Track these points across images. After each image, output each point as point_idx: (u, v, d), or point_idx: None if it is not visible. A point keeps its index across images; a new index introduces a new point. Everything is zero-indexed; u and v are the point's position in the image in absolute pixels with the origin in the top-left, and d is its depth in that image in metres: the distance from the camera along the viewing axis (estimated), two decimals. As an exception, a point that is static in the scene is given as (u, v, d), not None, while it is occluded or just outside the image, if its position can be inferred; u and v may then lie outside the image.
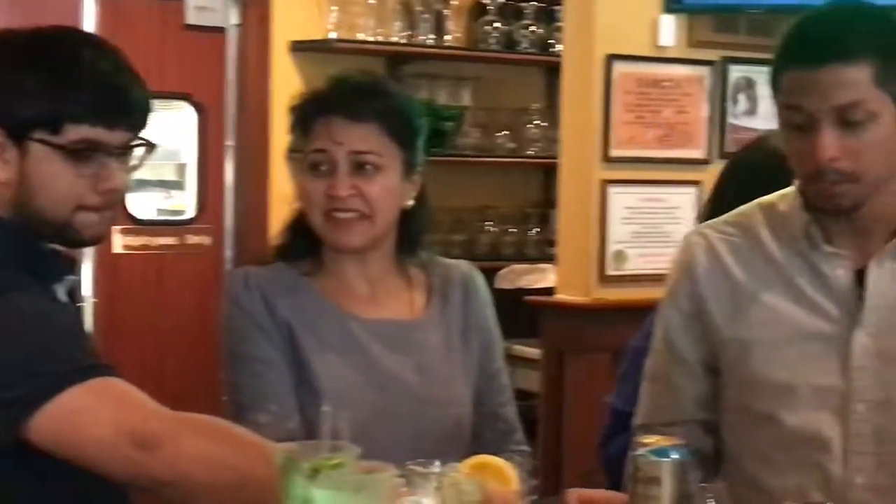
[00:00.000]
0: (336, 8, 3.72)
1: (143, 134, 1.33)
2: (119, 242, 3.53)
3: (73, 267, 1.43)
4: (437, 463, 1.24)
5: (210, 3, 3.61)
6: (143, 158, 1.35)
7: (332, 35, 3.70)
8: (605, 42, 3.02)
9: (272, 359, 1.55)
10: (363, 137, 1.55)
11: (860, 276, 1.45)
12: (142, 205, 3.66)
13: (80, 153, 1.28)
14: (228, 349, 1.57)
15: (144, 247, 3.62)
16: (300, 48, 3.72)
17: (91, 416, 1.14)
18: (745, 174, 1.79)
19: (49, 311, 1.26)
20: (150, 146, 1.35)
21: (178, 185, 3.83)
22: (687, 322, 1.52)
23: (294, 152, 1.65)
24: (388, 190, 1.57)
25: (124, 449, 1.12)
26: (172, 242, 3.69)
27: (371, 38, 3.76)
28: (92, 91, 1.28)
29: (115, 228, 3.44)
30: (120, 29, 3.41)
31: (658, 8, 3.03)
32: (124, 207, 3.37)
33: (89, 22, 3.43)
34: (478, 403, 1.66)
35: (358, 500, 1.10)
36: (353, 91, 1.60)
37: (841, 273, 1.46)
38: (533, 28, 4.06)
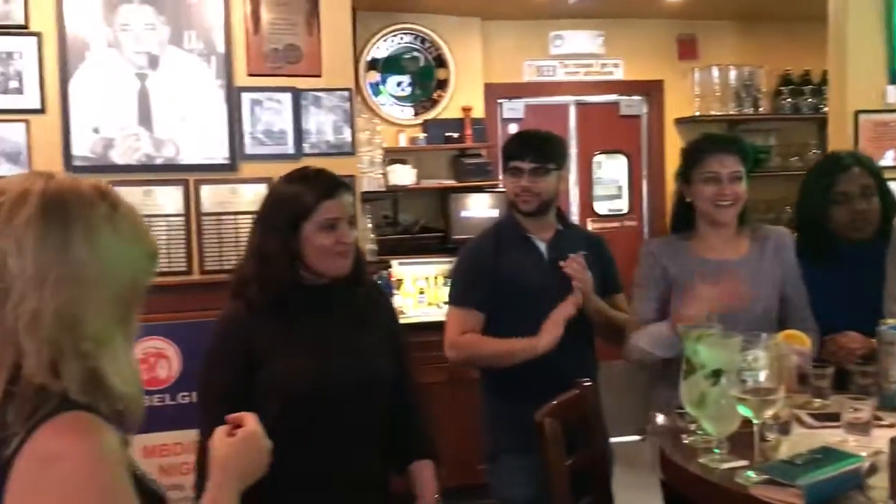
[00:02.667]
0: (698, 98, 5.75)
1: (548, 164, 2.54)
2: (591, 226, 5.68)
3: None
4: (763, 334, 1.76)
5: (631, 104, 5.92)
6: (556, 175, 2.57)
7: (697, 113, 5.73)
8: (853, 104, 3.99)
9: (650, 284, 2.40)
10: (733, 163, 2.34)
11: None
12: (602, 206, 5.91)
13: (510, 172, 2.53)
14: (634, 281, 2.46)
15: (603, 228, 5.63)
16: (680, 121, 5.79)
17: None
18: None
19: None
20: (554, 170, 2.55)
21: (620, 197, 5.97)
22: None
23: (685, 173, 2.41)
24: (744, 189, 2.33)
25: None
26: (616, 225, 5.86)
27: (719, 113, 5.68)
28: (513, 145, 2.65)
29: (589, 218, 5.82)
30: (589, 120, 5.83)
31: (885, 81, 4.01)
32: (592, 208, 5.92)
33: (573, 119, 5.85)
34: (785, 302, 2.38)
35: (721, 352, 1.68)
36: (724, 139, 2.60)
37: None
38: (809, 99, 5.82)
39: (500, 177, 3.23)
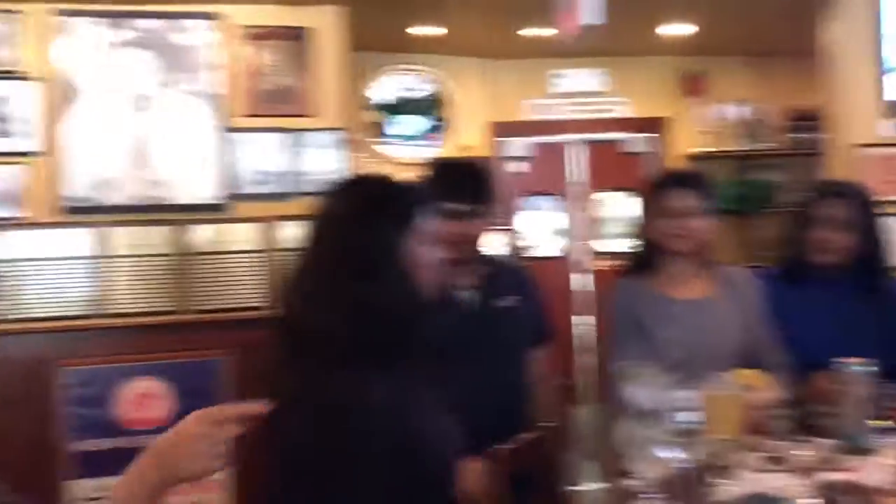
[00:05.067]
0: (706, 136, 5.77)
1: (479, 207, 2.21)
2: (596, 264, 5.74)
3: None
4: (718, 374, 1.87)
5: (635, 141, 5.91)
6: (490, 219, 2.25)
7: (706, 149, 5.75)
8: (848, 138, 4.04)
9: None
10: (691, 198, 2.30)
11: None
12: (608, 245, 5.83)
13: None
14: None
15: (609, 266, 5.50)
16: (690, 157, 5.72)
17: None
18: None
19: None
20: (486, 213, 2.22)
21: (626, 235, 5.72)
22: None
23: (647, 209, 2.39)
24: (702, 226, 2.31)
25: None
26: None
27: (728, 150, 5.77)
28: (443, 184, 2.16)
29: (594, 257, 5.83)
30: (593, 158, 5.86)
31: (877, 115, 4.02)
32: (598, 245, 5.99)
33: (576, 158, 5.91)
34: (751, 341, 2.30)
35: (654, 391, 1.71)
36: (683, 175, 2.49)
37: None
38: (818, 135, 5.33)
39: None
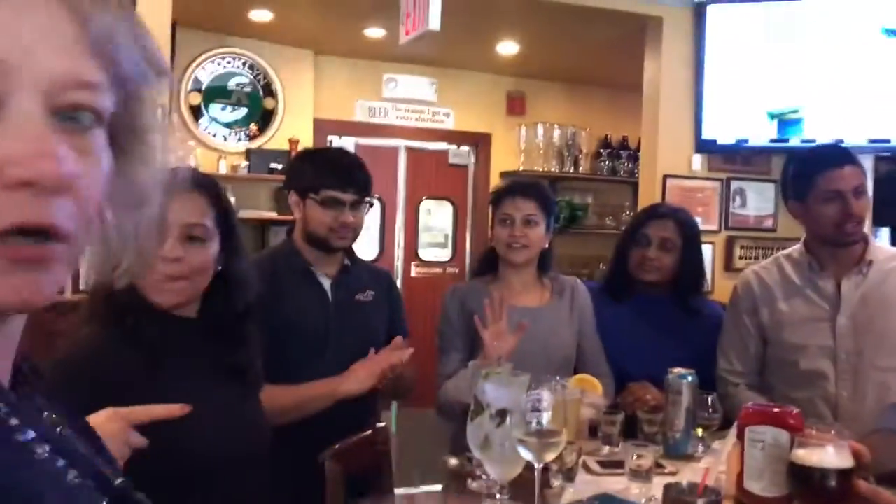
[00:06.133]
0: (523, 155, 5.92)
1: (368, 198, 2.14)
2: (414, 271, 5.86)
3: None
4: (557, 377, 1.87)
5: (460, 153, 6.00)
6: (368, 208, 2.14)
7: (521, 168, 5.86)
8: (662, 169, 4.21)
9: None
10: (529, 207, 2.33)
11: (838, 285, 2.19)
12: (427, 253, 5.94)
13: (327, 203, 2.12)
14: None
15: (426, 273, 5.95)
16: (505, 174, 5.77)
17: None
18: None
19: None
20: (372, 203, 2.18)
21: (445, 244, 6.11)
22: (749, 317, 2.30)
23: (495, 215, 2.41)
24: (539, 234, 2.35)
25: None
26: (440, 271, 5.98)
27: (541, 169, 5.84)
28: (333, 174, 2.11)
29: (413, 263, 5.83)
30: (418, 166, 5.87)
31: (692, 149, 4.22)
32: (417, 253, 5.88)
33: (402, 164, 5.88)
34: (581, 350, 2.41)
35: (508, 391, 1.60)
36: (523, 185, 2.45)
37: (829, 284, 2.20)
38: (624, 163, 6.15)
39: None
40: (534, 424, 1.58)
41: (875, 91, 3.90)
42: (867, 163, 4.26)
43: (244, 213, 5.05)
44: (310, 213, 2.18)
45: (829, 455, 1.34)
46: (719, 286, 4.17)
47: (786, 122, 4.02)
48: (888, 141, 3.95)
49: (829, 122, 3.94)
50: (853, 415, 2.14)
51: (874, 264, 2.22)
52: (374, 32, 5.01)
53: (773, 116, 4.05)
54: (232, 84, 5.24)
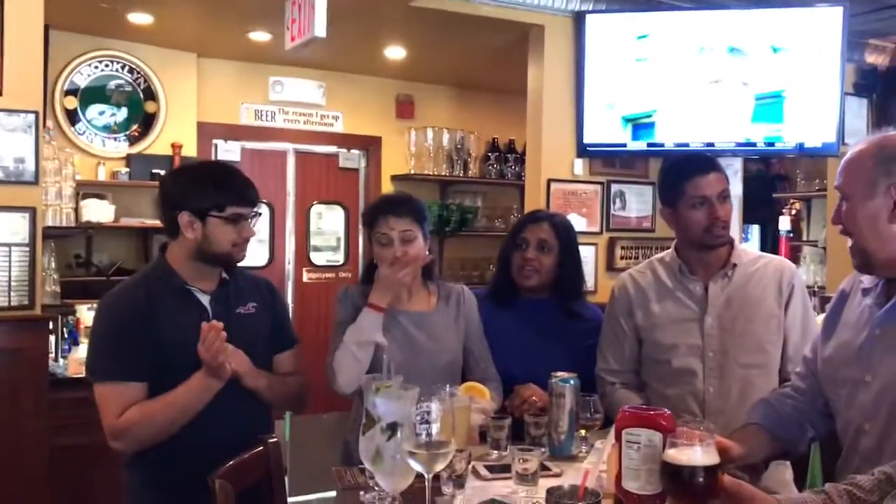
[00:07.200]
0: (413, 159, 5.94)
1: (257, 209, 2.19)
2: (306, 276, 5.78)
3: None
4: (447, 386, 1.85)
5: (350, 157, 5.97)
6: (258, 220, 2.20)
7: (412, 171, 5.92)
8: (546, 173, 4.33)
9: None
10: (404, 224, 2.34)
11: (706, 288, 2.32)
12: (319, 257, 5.87)
13: (233, 220, 2.13)
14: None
15: (318, 278, 5.88)
16: (396, 178, 5.93)
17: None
18: None
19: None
20: (260, 214, 2.23)
21: (337, 248, 6.03)
22: (625, 318, 2.41)
23: (371, 235, 2.41)
24: (419, 248, 2.36)
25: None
26: (332, 275, 5.90)
27: (432, 173, 5.95)
28: (235, 190, 2.14)
29: (305, 268, 5.82)
30: (308, 170, 5.79)
31: (573, 154, 4.37)
32: (308, 258, 5.82)
33: (291, 168, 5.77)
34: (468, 355, 2.46)
35: (398, 404, 1.63)
36: (396, 201, 2.42)
37: (698, 287, 2.34)
38: (511, 166, 6.26)
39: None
40: (423, 437, 1.62)
41: (718, 100, 4.16)
42: (737, 164, 4.61)
43: (125, 221, 4.89)
44: (212, 231, 2.14)
45: (696, 454, 1.42)
46: (602, 286, 4.38)
47: (638, 126, 4.23)
48: (754, 145, 4.20)
49: (677, 127, 4.19)
50: (719, 409, 2.24)
51: (738, 267, 2.34)
52: (260, 36, 4.94)
53: (626, 121, 4.25)
54: (111, 86, 5.06)
